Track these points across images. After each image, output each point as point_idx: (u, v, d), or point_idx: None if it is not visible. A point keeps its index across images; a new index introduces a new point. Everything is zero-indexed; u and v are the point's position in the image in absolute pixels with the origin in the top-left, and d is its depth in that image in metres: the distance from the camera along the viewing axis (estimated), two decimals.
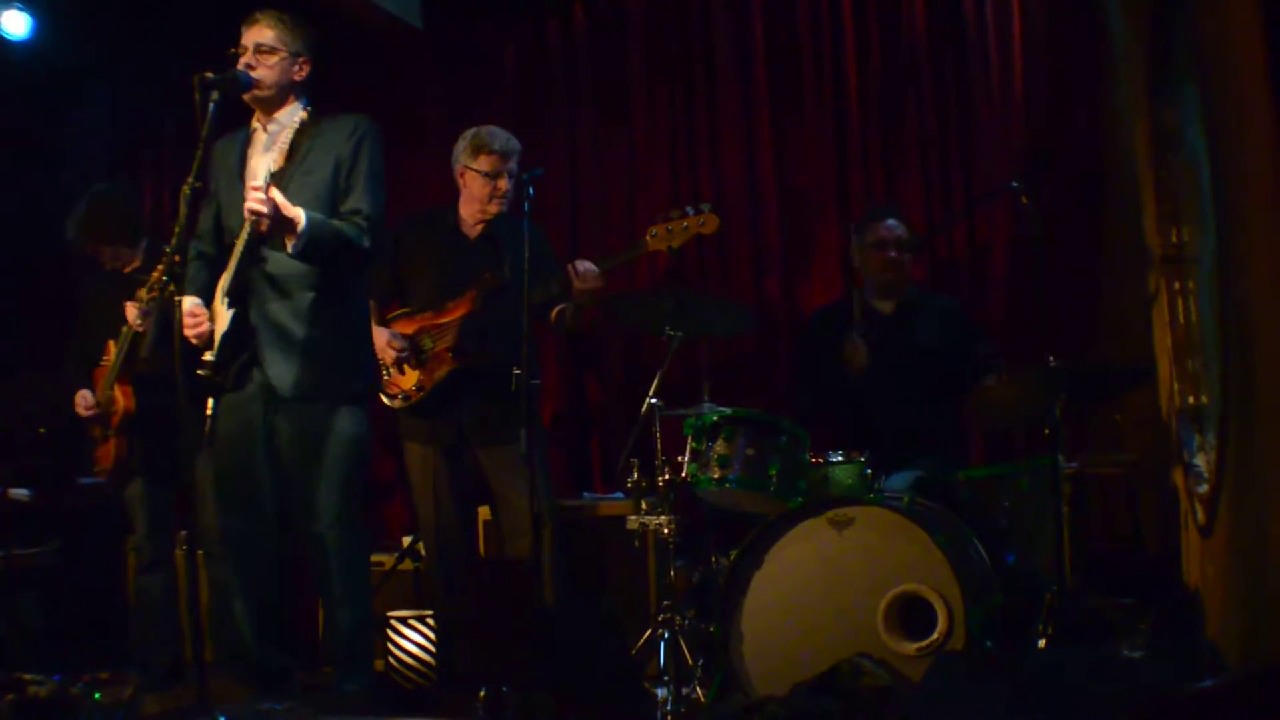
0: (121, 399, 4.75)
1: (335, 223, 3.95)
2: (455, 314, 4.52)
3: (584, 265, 4.41)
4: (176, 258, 3.73)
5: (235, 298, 3.98)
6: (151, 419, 4.75)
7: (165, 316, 3.84)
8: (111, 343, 4.77)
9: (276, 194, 3.80)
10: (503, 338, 4.41)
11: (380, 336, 4.57)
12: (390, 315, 4.69)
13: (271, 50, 4.05)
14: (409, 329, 4.63)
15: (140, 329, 4.64)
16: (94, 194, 4.98)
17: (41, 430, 5.50)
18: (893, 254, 4.66)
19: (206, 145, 3.78)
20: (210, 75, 3.81)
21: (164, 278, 3.77)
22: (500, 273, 4.51)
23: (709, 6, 5.58)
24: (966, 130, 5.17)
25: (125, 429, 4.77)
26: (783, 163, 5.46)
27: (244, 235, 3.89)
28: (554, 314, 4.66)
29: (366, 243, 4.01)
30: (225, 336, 3.98)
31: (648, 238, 4.32)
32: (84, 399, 4.85)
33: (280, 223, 3.83)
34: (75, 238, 4.95)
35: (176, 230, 3.76)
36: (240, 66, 4.02)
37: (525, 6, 5.89)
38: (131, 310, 4.62)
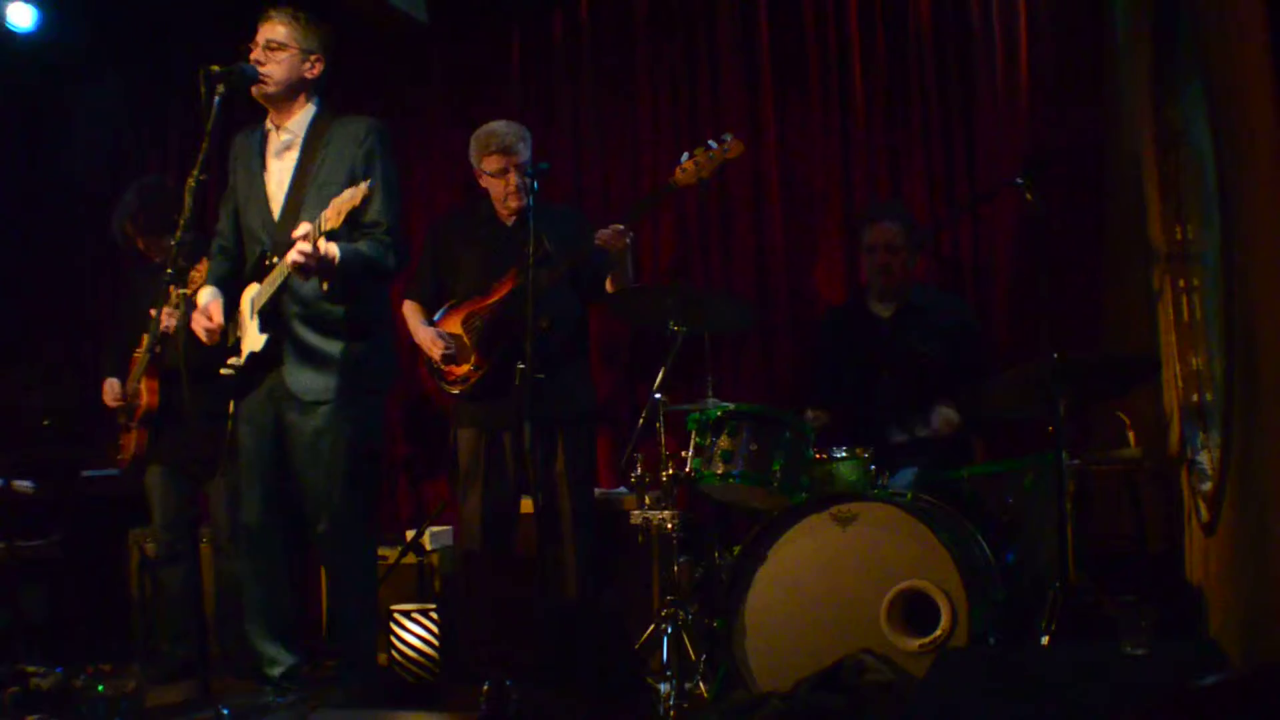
0: (146, 394, 4.76)
1: (361, 246, 3.97)
2: (501, 293, 4.54)
3: (602, 232, 4.49)
4: (180, 262, 3.75)
5: (269, 321, 4.00)
6: (175, 412, 4.76)
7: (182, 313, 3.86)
8: (145, 335, 4.80)
9: (322, 243, 3.80)
10: (548, 312, 4.43)
11: (425, 336, 4.65)
12: (441, 311, 4.73)
13: (281, 46, 4.06)
14: (457, 319, 4.65)
15: (171, 331, 4.65)
16: (143, 186, 5.01)
17: (46, 422, 5.51)
18: (880, 258, 4.65)
19: (212, 138, 3.78)
20: (216, 69, 3.81)
21: (168, 270, 3.78)
22: (541, 246, 4.51)
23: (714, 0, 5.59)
24: (971, 126, 5.16)
25: (147, 422, 4.78)
26: (787, 156, 5.46)
27: (283, 269, 3.89)
28: (608, 284, 4.69)
29: (391, 261, 4.06)
30: (254, 355, 4.02)
31: (676, 174, 4.38)
32: (112, 388, 4.89)
33: (322, 269, 3.85)
34: (127, 230, 4.94)
35: (181, 223, 3.78)
36: (250, 61, 4.03)
37: (531, 1, 5.89)
38: (165, 310, 4.64)
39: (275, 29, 4.06)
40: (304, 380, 4.02)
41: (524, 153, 4.67)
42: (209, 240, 4.37)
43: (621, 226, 4.49)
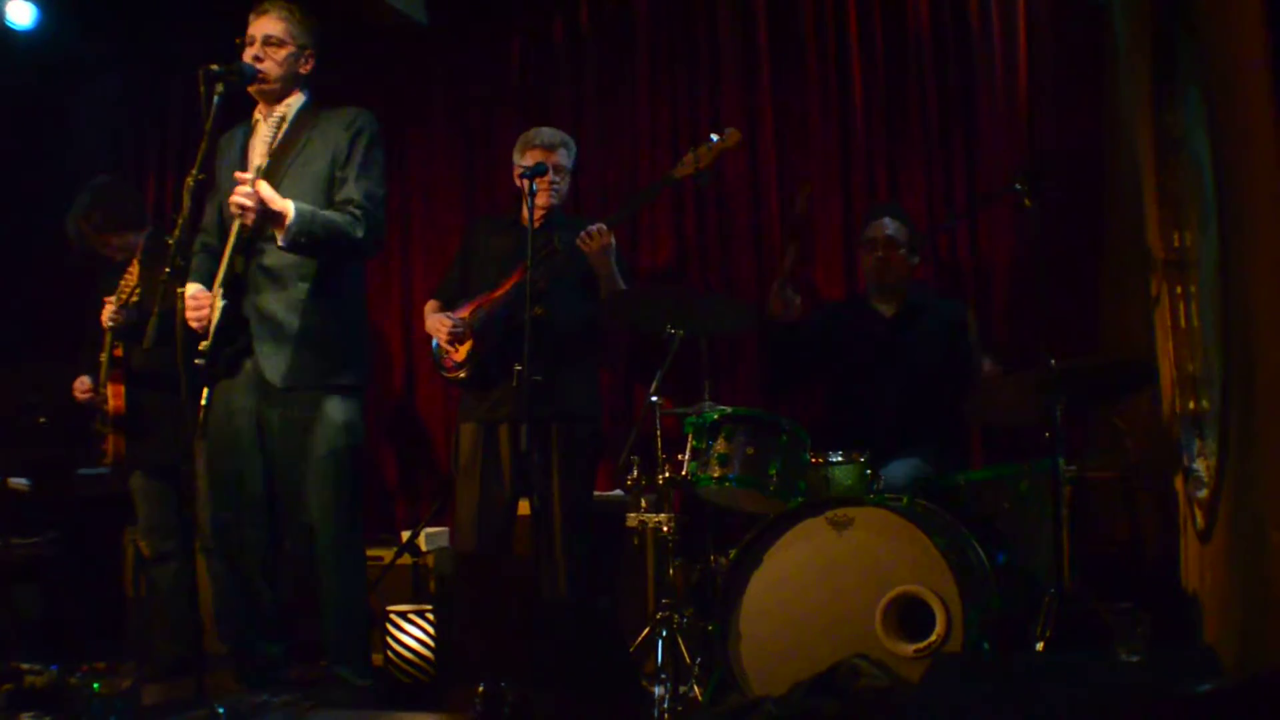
0: (111, 399, 4.75)
1: (327, 213, 3.97)
2: (506, 286, 4.55)
3: (587, 230, 4.49)
4: (178, 261, 3.74)
5: (228, 288, 4.01)
6: (147, 415, 4.76)
7: (168, 311, 3.84)
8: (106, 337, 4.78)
9: (263, 187, 3.82)
10: (551, 303, 4.43)
11: (433, 321, 4.68)
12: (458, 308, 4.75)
13: (280, 43, 4.07)
14: (466, 311, 4.66)
15: (112, 326, 4.66)
16: (95, 186, 4.96)
17: (41, 420, 5.50)
18: (880, 254, 4.67)
19: (211, 137, 3.79)
20: (215, 68, 3.82)
21: (167, 270, 3.78)
22: (550, 244, 4.52)
23: (714, 4, 5.58)
24: (970, 130, 5.16)
25: (119, 426, 4.77)
26: (786, 159, 5.46)
27: (235, 227, 3.91)
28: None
29: (359, 232, 4.02)
30: (217, 328, 4.01)
31: (676, 168, 4.45)
32: (82, 383, 4.88)
33: (267, 216, 3.85)
34: (83, 229, 4.90)
35: (179, 222, 3.78)
36: (247, 58, 4.04)
37: (531, 3, 5.89)
38: (107, 309, 4.64)
39: (273, 24, 4.07)
40: (273, 361, 4.01)
41: (565, 159, 4.68)
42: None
43: (602, 226, 4.49)
